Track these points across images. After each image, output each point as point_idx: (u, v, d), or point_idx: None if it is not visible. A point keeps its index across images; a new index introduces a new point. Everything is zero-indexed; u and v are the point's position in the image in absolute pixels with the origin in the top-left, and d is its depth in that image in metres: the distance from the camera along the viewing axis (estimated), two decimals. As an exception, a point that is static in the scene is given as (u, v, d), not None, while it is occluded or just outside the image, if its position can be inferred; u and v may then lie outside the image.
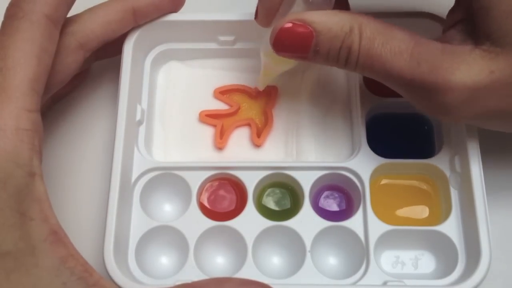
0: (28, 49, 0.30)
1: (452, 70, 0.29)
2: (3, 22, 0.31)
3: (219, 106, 0.39)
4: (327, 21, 0.30)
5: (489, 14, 0.29)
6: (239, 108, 0.39)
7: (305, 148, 0.38)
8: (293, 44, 0.31)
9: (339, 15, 0.31)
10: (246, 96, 0.40)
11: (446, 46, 0.30)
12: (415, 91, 0.30)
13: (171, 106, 0.39)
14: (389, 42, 0.30)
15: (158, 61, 0.40)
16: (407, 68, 0.29)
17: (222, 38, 0.39)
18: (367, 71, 0.31)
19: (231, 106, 0.39)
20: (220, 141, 0.38)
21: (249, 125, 0.39)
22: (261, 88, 0.38)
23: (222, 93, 0.39)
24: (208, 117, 0.39)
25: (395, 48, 0.30)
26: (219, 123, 0.39)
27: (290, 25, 0.31)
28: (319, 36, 0.30)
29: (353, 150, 0.37)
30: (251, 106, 0.39)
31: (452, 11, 0.32)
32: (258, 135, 0.38)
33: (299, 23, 0.31)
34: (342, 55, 0.31)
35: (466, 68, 0.29)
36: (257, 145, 0.38)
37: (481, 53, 0.29)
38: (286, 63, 0.35)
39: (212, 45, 0.40)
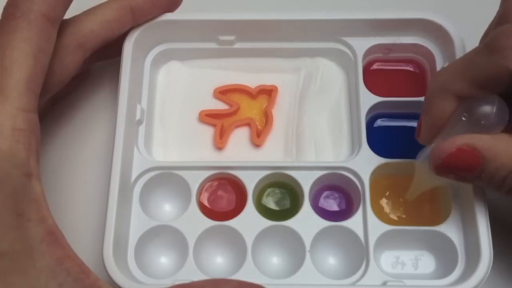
0: (25, 49, 0.30)
1: None
2: (1, 21, 0.31)
3: (219, 106, 0.39)
4: (496, 148, 0.29)
5: None
6: (238, 108, 0.39)
7: (305, 148, 0.38)
8: (457, 168, 0.30)
9: (500, 139, 0.29)
10: (246, 96, 0.40)
11: None
12: None
13: (171, 106, 0.39)
14: None
15: (158, 61, 0.40)
16: None
17: (222, 37, 0.39)
18: None
19: (230, 106, 0.39)
20: (220, 141, 0.38)
21: (249, 125, 0.39)
22: (410, 198, 0.35)
23: (222, 93, 0.39)
24: (208, 117, 0.39)
25: None
26: (219, 123, 0.39)
27: (456, 150, 0.29)
28: (485, 164, 0.29)
29: (353, 150, 0.37)
30: (250, 106, 0.39)
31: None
32: (258, 135, 0.38)
33: (467, 148, 0.29)
34: (507, 183, 0.29)
35: None
36: (256, 145, 0.38)
37: None
38: (442, 180, 0.32)
39: (212, 45, 0.40)
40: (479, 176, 0.30)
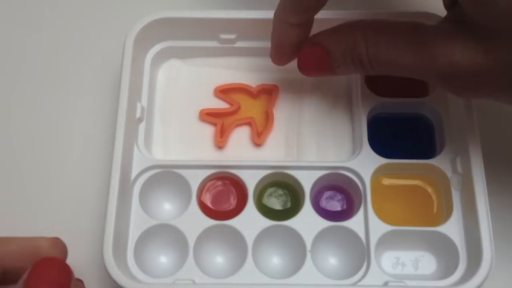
0: None
1: (449, 55, 0.29)
2: None
3: (220, 104, 0.39)
4: (333, 38, 0.33)
5: (465, 5, 0.29)
6: (239, 107, 0.39)
7: (306, 148, 0.37)
8: (314, 64, 0.35)
9: (344, 28, 0.33)
10: (247, 95, 0.39)
11: (441, 31, 0.30)
12: (429, 79, 0.32)
13: (171, 104, 0.39)
14: (393, 42, 0.31)
15: (159, 59, 0.40)
16: (414, 63, 0.30)
17: (223, 36, 0.39)
18: (385, 71, 0.32)
19: (231, 105, 0.39)
20: (221, 140, 0.38)
21: (249, 124, 0.39)
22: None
23: (223, 91, 0.39)
24: (209, 116, 0.39)
25: (400, 46, 0.31)
26: (220, 122, 0.38)
27: (306, 48, 0.34)
28: (332, 53, 0.33)
29: (354, 150, 0.37)
30: (251, 105, 0.39)
31: None
32: (259, 135, 0.38)
33: (312, 46, 0.34)
34: (358, 65, 0.33)
35: (461, 50, 0.29)
36: (257, 144, 0.38)
37: (473, 34, 0.29)
38: None
39: (213, 43, 0.40)
40: (337, 66, 0.33)
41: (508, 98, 0.30)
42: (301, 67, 0.35)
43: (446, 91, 0.32)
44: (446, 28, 0.30)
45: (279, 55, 0.36)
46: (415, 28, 0.31)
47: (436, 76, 0.30)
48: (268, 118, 0.38)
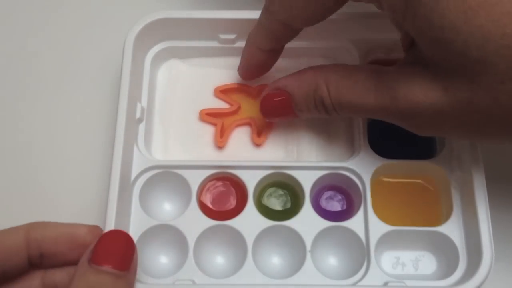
0: None
1: (409, 96, 0.29)
2: None
3: (220, 104, 0.39)
4: (296, 83, 0.34)
5: (421, 43, 0.29)
6: (239, 107, 0.39)
7: (306, 148, 0.37)
8: (277, 109, 0.35)
9: (306, 73, 0.34)
10: (247, 95, 0.39)
11: (401, 72, 0.30)
12: (391, 120, 0.31)
13: (171, 104, 0.39)
14: (354, 86, 0.32)
15: (159, 59, 0.40)
16: (376, 105, 0.31)
17: (223, 36, 0.39)
18: (348, 113, 0.33)
19: (231, 105, 0.39)
20: (221, 140, 0.38)
21: (249, 124, 0.39)
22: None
23: (223, 92, 0.39)
24: (209, 116, 0.39)
25: (361, 90, 0.31)
26: (220, 122, 0.38)
27: (268, 93, 0.35)
28: (294, 98, 0.34)
29: (354, 150, 0.37)
30: (251, 105, 0.39)
31: (401, 36, 0.32)
32: (259, 135, 0.38)
33: (275, 91, 0.35)
34: (321, 108, 0.33)
35: (421, 89, 0.29)
36: (257, 145, 0.38)
37: (432, 74, 0.29)
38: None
39: (213, 43, 0.40)
40: (300, 110, 0.34)
41: (468, 135, 0.30)
42: (263, 112, 0.36)
43: (407, 129, 0.32)
44: (406, 69, 0.30)
45: (246, 73, 0.38)
46: (376, 71, 0.31)
47: (397, 116, 0.31)
48: None
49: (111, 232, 0.31)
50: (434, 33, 0.27)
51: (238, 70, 0.38)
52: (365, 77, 0.32)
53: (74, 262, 0.30)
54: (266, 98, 0.35)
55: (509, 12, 0.26)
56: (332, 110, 0.33)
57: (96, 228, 0.31)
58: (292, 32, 0.35)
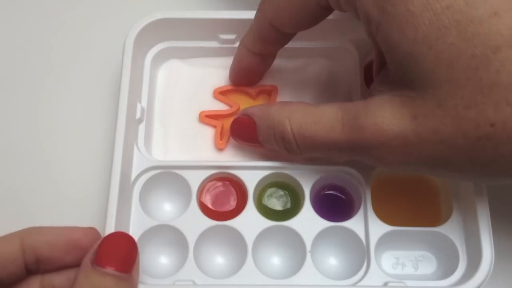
0: None
1: (377, 125, 0.29)
2: None
3: (220, 105, 0.39)
4: (261, 113, 0.34)
5: (392, 59, 0.28)
6: (239, 109, 0.39)
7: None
8: (242, 132, 0.36)
9: (274, 106, 0.34)
10: (246, 96, 0.39)
11: (369, 101, 0.30)
12: (357, 153, 0.31)
13: (171, 105, 0.39)
14: (320, 120, 0.31)
15: (159, 59, 0.40)
16: (343, 138, 0.30)
17: (223, 36, 0.39)
18: (309, 151, 0.33)
19: (230, 106, 0.39)
20: (221, 142, 0.38)
21: None
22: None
23: (222, 93, 0.39)
24: (208, 118, 0.38)
25: (327, 124, 0.31)
26: (219, 124, 0.38)
27: (238, 117, 0.36)
28: (258, 128, 0.34)
29: (354, 150, 0.37)
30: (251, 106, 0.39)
31: (375, 57, 0.32)
32: None
33: (243, 117, 0.35)
34: (280, 144, 0.33)
35: (390, 119, 0.28)
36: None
37: (400, 100, 0.28)
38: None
39: (213, 44, 0.40)
40: (262, 140, 0.34)
41: (437, 171, 0.29)
42: (232, 133, 0.37)
43: (373, 164, 0.31)
44: (374, 99, 0.30)
45: (235, 76, 0.38)
46: (341, 105, 0.31)
47: (364, 149, 0.30)
48: None
49: (114, 234, 0.30)
50: (406, 46, 0.27)
51: (229, 73, 0.39)
52: (331, 111, 0.31)
53: (71, 265, 0.30)
54: (234, 121, 0.36)
55: (479, 34, 0.26)
56: (295, 147, 0.33)
57: (91, 230, 0.31)
58: (281, 37, 0.35)
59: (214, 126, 0.38)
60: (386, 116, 0.28)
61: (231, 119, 0.38)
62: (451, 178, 0.33)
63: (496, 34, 0.25)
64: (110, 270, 0.28)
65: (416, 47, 0.27)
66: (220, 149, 0.38)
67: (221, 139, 0.38)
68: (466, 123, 0.26)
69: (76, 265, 0.30)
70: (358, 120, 0.29)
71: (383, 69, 0.30)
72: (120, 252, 0.29)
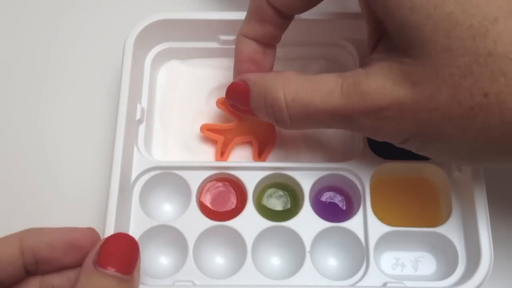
0: None
1: (377, 90, 0.29)
2: None
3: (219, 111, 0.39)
4: (257, 79, 0.33)
5: (391, 27, 0.29)
6: (241, 123, 0.38)
7: (306, 149, 0.38)
8: (236, 97, 0.35)
9: (270, 73, 0.34)
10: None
11: (369, 69, 0.30)
12: (353, 122, 0.30)
13: (171, 105, 0.39)
14: (317, 87, 0.31)
15: (159, 60, 0.40)
16: (341, 104, 0.30)
17: (223, 37, 0.39)
18: (301, 122, 0.32)
19: (232, 117, 0.37)
20: (221, 159, 0.37)
21: (250, 143, 0.38)
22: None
23: (224, 104, 0.37)
24: (210, 132, 0.38)
25: (325, 90, 0.31)
26: (221, 138, 0.38)
27: (234, 81, 0.35)
28: (251, 93, 0.34)
29: (354, 151, 0.37)
30: (253, 121, 0.37)
31: (369, 32, 0.32)
32: (259, 155, 0.37)
33: (241, 81, 0.34)
34: (270, 111, 0.32)
35: (390, 85, 0.29)
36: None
37: (400, 67, 0.28)
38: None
39: (213, 44, 0.40)
40: (254, 107, 0.34)
41: (427, 143, 0.29)
42: (227, 97, 0.36)
43: (368, 135, 0.31)
44: (373, 65, 0.30)
45: (238, 73, 0.36)
46: (339, 73, 0.31)
47: (360, 117, 0.30)
48: (270, 135, 0.38)
49: (116, 235, 0.30)
50: (404, 14, 0.27)
51: (233, 74, 0.37)
52: (329, 78, 0.31)
53: (70, 266, 0.30)
54: (230, 86, 0.35)
55: (478, 5, 0.26)
56: (286, 116, 0.32)
57: (90, 230, 0.31)
58: (277, 18, 0.33)
59: (215, 141, 0.38)
60: (387, 82, 0.29)
61: (232, 134, 0.38)
62: (441, 155, 0.31)
63: (494, 6, 0.26)
64: (112, 271, 0.28)
65: (413, 16, 0.27)
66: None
67: (221, 155, 0.37)
68: (461, 92, 0.27)
69: (75, 265, 0.30)
70: (359, 85, 0.30)
71: (383, 39, 0.30)
72: (122, 253, 0.29)
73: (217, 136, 0.38)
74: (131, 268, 0.29)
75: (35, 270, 0.30)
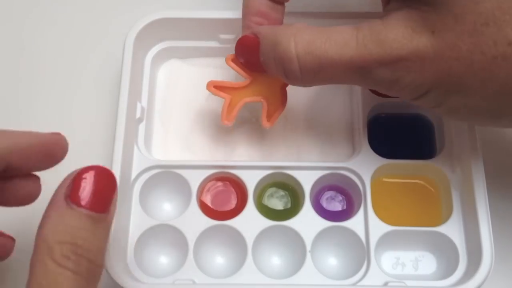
0: None
1: (397, 39, 0.28)
2: None
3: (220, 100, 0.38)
4: (268, 31, 0.32)
5: None
6: (251, 82, 0.35)
7: (306, 148, 0.37)
8: (246, 50, 0.33)
9: (282, 26, 0.32)
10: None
11: (386, 18, 0.29)
12: (370, 74, 0.29)
13: (171, 104, 0.39)
14: (331, 37, 0.29)
15: (159, 59, 0.40)
16: (357, 54, 0.29)
17: (223, 36, 0.39)
18: (312, 75, 0.30)
19: (244, 76, 0.35)
20: (228, 116, 0.35)
21: (261, 103, 0.36)
22: None
23: (234, 61, 0.35)
24: (216, 89, 0.35)
25: (340, 40, 0.29)
26: (228, 97, 0.35)
27: (245, 35, 0.33)
28: (261, 45, 0.32)
29: (354, 150, 0.37)
30: (265, 81, 0.35)
31: None
32: (268, 118, 0.35)
33: (252, 34, 0.33)
34: (279, 64, 0.31)
35: (409, 33, 0.28)
36: (265, 127, 0.35)
37: (418, 14, 0.28)
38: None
39: (213, 43, 0.40)
40: (263, 61, 0.32)
41: (444, 94, 0.28)
42: (236, 49, 0.34)
43: (383, 90, 0.29)
44: (392, 14, 0.29)
45: (245, 24, 0.34)
46: (356, 26, 0.30)
47: (380, 66, 0.28)
48: (281, 97, 0.35)
49: (92, 167, 0.27)
50: None
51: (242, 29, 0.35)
52: (344, 29, 0.29)
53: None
54: (240, 39, 0.34)
55: None
56: (296, 69, 0.30)
57: (57, 135, 0.29)
58: None
59: (222, 98, 0.35)
60: (406, 30, 0.28)
61: (241, 93, 0.36)
62: (459, 110, 0.29)
63: None
64: (86, 211, 0.25)
65: None
66: (226, 123, 0.35)
67: (228, 113, 0.35)
68: (484, 40, 0.26)
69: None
70: (376, 35, 0.28)
71: None
72: (99, 190, 0.26)
73: (223, 94, 0.35)
74: (107, 206, 0.26)
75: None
